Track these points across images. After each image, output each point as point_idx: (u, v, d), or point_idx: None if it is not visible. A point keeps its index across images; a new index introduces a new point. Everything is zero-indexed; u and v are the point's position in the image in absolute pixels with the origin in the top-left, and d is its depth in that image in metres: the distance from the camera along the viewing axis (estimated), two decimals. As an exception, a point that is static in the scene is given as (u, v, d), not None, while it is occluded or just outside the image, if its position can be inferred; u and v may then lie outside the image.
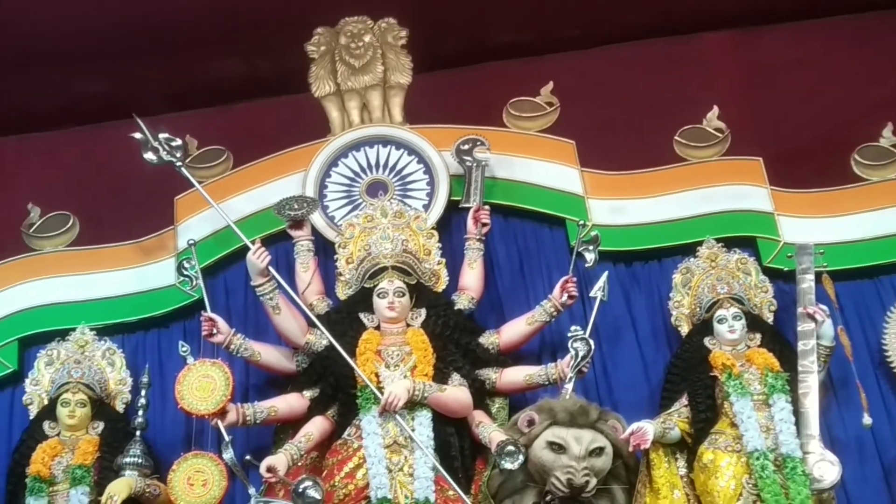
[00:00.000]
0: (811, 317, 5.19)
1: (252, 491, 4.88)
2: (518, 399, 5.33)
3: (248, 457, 4.89)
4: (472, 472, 5.09)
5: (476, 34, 6.26)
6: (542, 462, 4.79)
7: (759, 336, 5.28)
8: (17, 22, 6.02)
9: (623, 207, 5.75)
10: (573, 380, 5.07)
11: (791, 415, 4.98)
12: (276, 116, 6.26)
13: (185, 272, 5.45)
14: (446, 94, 6.18)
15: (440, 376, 5.08)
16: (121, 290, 5.80)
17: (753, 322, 5.32)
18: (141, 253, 5.86)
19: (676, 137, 5.95)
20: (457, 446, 5.04)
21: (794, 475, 4.86)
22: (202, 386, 5.06)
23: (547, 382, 5.21)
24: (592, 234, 5.47)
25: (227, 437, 4.94)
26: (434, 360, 5.10)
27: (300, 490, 4.72)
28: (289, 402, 5.24)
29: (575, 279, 5.35)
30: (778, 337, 5.32)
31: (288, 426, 5.27)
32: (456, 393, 5.07)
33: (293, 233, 5.57)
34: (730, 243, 5.60)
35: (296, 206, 5.54)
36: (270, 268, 5.26)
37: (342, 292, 5.47)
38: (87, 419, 5.33)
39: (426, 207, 5.70)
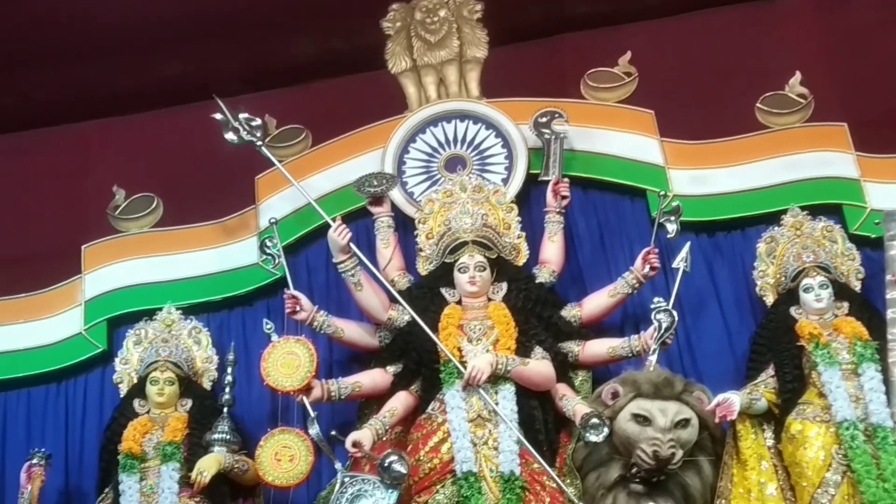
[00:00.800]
0: None
1: (338, 465, 4.94)
2: (601, 372, 5.32)
3: (333, 432, 4.96)
4: (557, 446, 5.09)
5: (552, 5, 6.22)
6: (627, 434, 4.79)
7: (846, 305, 5.20)
8: (97, 7, 6.13)
9: (705, 177, 5.69)
10: (657, 352, 5.05)
11: (881, 384, 4.90)
12: (354, 94, 6.29)
13: (268, 251, 5.51)
14: (523, 66, 6.15)
15: (522, 350, 5.08)
16: (205, 269, 5.88)
17: (840, 291, 5.24)
18: (223, 233, 5.93)
19: (758, 105, 5.85)
20: (541, 419, 5.05)
21: (885, 445, 4.78)
22: (287, 363, 5.12)
23: (630, 355, 5.19)
24: (674, 204, 5.42)
25: (312, 413, 5.01)
26: (516, 333, 5.10)
27: (386, 464, 4.77)
28: (372, 378, 5.29)
29: (657, 250, 5.31)
30: (866, 305, 5.23)
31: (372, 402, 5.32)
32: (539, 366, 5.07)
33: (373, 209, 5.61)
34: (815, 211, 5.51)
35: (375, 183, 5.57)
36: (352, 244, 5.30)
37: (423, 268, 5.49)
38: (175, 397, 5.42)
39: (505, 181, 5.69)
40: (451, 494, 4.85)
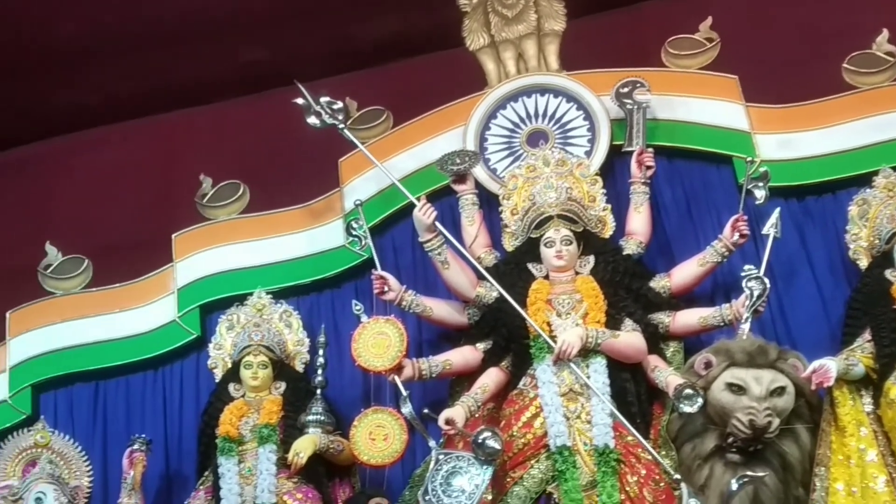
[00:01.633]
0: None
1: (432, 443, 4.95)
2: (693, 342, 5.27)
3: (426, 410, 4.97)
4: (650, 418, 5.06)
5: (629, -27, 6.18)
6: (722, 404, 4.75)
7: (943, 265, 5.10)
8: (175, -3, 6.24)
9: (792, 141, 5.59)
10: (749, 320, 4.98)
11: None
12: (432, 73, 6.30)
13: (354, 232, 5.54)
14: (602, 37, 6.11)
15: (612, 322, 5.06)
16: (293, 253, 5.94)
17: (937, 251, 5.13)
18: (309, 216, 5.99)
19: (845, 65, 5.72)
20: (633, 392, 5.03)
21: None
22: (377, 343, 5.16)
23: (722, 324, 5.13)
24: (761, 170, 5.32)
25: (404, 392, 5.03)
26: (605, 306, 5.08)
27: (480, 440, 4.77)
28: (463, 355, 5.31)
29: (746, 217, 5.24)
30: (965, 265, 5.11)
31: (463, 379, 5.33)
32: (629, 338, 5.05)
33: (457, 187, 5.62)
34: (907, 171, 5.40)
35: (458, 161, 5.57)
36: (437, 223, 5.32)
37: (509, 244, 5.48)
38: (269, 380, 5.50)
39: (588, 154, 5.65)
40: (545, 469, 4.87)
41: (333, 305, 5.86)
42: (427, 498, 4.73)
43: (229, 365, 5.65)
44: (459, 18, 6.09)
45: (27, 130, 6.91)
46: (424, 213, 5.31)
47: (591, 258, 5.30)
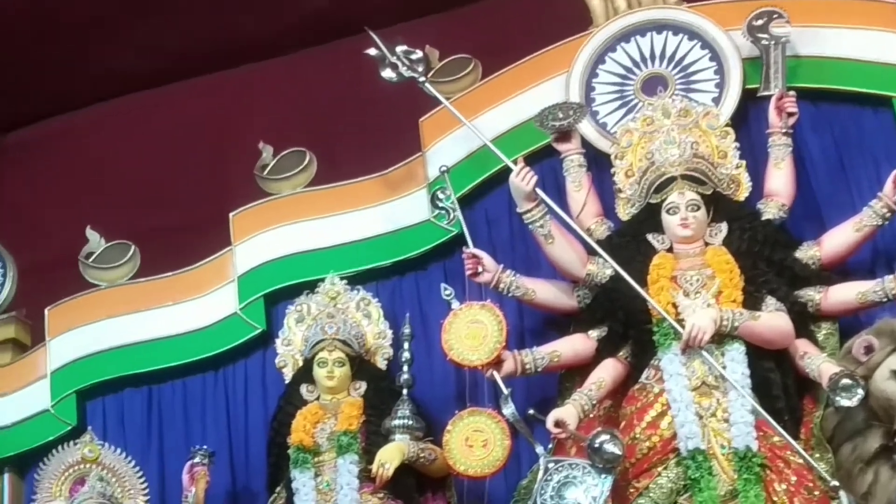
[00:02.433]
0: None
1: (539, 449, 4.95)
2: (849, 322, 5.20)
3: (531, 411, 4.99)
4: (800, 413, 5.02)
5: None
6: (888, 395, 4.67)
7: None
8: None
9: (967, 78, 5.48)
10: (919, 293, 4.93)
11: None
12: (527, 13, 6.31)
13: (440, 204, 5.60)
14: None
15: (751, 301, 5.01)
16: (369, 231, 5.96)
17: None
18: (387, 187, 6.01)
19: None
20: (779, 383, 4.98)
21: None
22: (472, 333, 5.16)
23: (885, 299, 5.05)
24: (928, 112, 5.25)
25: (505, 390, 5.04)
26: (742, 282, 5.04)
27: (596, 445, 4.76)
28: (573, 345, 5.30)
29: (911, 170, 5.16)
30: None
31: (574, 373, 5.33)
32: (772, 320, 4.99)
33: (560, 147, 5.59)
34: None
35: (560, 116, 5.54)
36: (538, 190, 5.30)
37: (624, 212, 5.46)
38: (347, 379, 5.54)
39: (716, 101, 5.59)
40: (675, 477, 4.86)
41: (418, 290, 5.89)
42: (535, 514, 4.72)
43: (300, 363, 5.70)
44: (556, -55, 6.08)
45: (63, 98, 7.04)
46: (523, 179, 5.29)
47: (724, 225, 5.25)
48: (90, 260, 6.35)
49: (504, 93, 5.92)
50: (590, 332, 5.30)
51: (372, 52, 5.77)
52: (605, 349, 5.23)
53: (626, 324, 5.17)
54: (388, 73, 5.78)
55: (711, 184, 5.27)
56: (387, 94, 5.96)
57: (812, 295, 5.17)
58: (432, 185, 5.82)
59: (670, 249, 5.22)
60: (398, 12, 6.35)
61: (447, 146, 5.91)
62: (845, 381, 4.73)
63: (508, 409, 5.00)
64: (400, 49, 5.77)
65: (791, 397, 5.01)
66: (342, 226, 6.01)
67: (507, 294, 5.38)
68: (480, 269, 5.35)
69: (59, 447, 5.89)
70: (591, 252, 5.31)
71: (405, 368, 5.50)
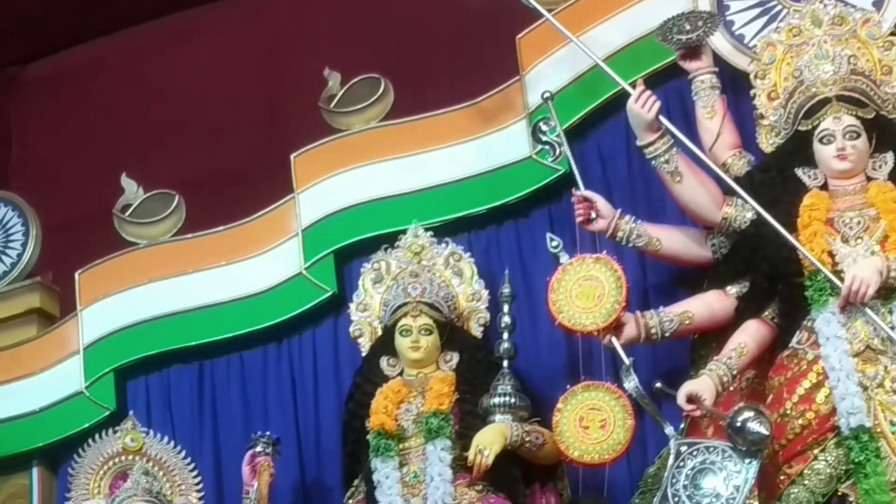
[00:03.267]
0: None
1: (669, 430, 4.95)
2: None
3: (658, 384, 4.97)
4: None
5: None
6: None
7: None
8: None
9: None
10: None
11: None
12: None
13: (544, 138, 5.61)
14: None
15: (925, 247, 4.97)
16: (458, 171, 5.98)
17: None
18: (479, 118, 6.01)
19: None
20: (962, 347, 4.94)
21: None
22: (585, 292, 5.15)
23: None
24: None
25: (626, 360, 5.02)
26: (914, 223, 5.00)
27: (738, 424, 4.73)
28: (707, 304, 5.28)
29: None
30: None
31: (710, 338, 5.33)
32: (953, 270, 4.96)
33: (687, 65, 5.55)
34: None
35: (688, 28, 5.50)
36: (662, 118, 5.26)
37: (766, 142, 5.40)
38: (436, 350, 5.56)
39: (877, 5, 5.52)
40: (835, 461, 4.82)
41: (519, 242, 5.91)
42: (667, 507, 4.75)
43: (379, 332, 5.74)
44: None
45: (90, 23, 7.09)
46: (644, 105, 5.25)
47: (889, 156, 5.19)
48: (127, 214, 6.43)
49: (618, 2, 5.89)
50: (728, 289, 5.28)
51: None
52: (746, 308, 5.19)
53: (772, 277, 5.12)
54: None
55: (874, 106, 5.19)
56: (475, 8, 5.94)
57: None
58: (534, 116, 5.82)
59: (824, 186, 5.16)
60: None
61: (550, 68, 5.90)
62: None
63: (631, 383, 4.97)
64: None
65: (978, 363, 4.97)
66: (426, 166, 6.03)
67: (626, 244, 5.37)
68: (594, 214, 5.34)
69: (97, 436, 5.97)
70: (727, 192, 5.27)
71: (505, 336, 5.52)
